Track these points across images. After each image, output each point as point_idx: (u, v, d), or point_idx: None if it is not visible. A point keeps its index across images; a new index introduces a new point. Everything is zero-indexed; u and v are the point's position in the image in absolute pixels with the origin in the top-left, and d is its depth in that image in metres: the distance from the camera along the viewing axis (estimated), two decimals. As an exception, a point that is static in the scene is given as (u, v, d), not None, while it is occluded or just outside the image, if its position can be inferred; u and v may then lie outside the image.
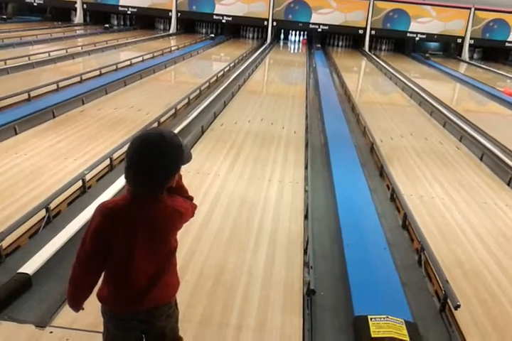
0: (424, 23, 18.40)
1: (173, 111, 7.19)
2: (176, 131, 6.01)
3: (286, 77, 12.32)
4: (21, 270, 2.91)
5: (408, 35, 18.63)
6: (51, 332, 2.50)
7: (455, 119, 7.89)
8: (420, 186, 4.95)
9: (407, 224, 4.04)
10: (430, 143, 6.67)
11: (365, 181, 4.87)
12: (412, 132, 7.14)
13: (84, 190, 4.23)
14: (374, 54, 17.71)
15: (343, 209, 4.13)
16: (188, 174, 4.59)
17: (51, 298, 2.77)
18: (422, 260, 3.50)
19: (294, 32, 20.28)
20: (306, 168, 5.22)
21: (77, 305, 1.84)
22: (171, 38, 17.80)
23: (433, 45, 20.15)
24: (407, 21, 18.45)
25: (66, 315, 2.62)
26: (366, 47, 18.52)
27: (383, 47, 19.89)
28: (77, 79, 8.67)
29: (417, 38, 18.81)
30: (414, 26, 18.46)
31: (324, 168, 5.37)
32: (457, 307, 2.82)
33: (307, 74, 12.12)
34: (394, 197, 4.57)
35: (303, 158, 5.55)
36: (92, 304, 2.57)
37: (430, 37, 18.74)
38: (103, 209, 1.69)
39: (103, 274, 1.78)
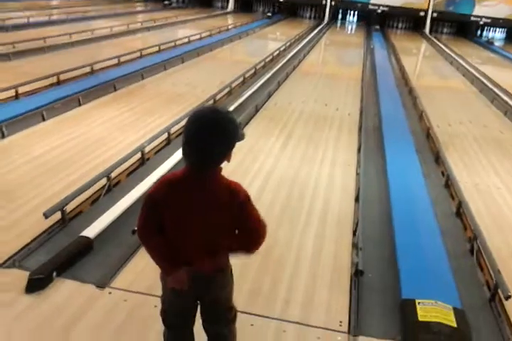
0: (489, 6, 17.58)
1: (228, 89, 7.26)
2: (231, 109, 6.09)
3: (343, 58, 12.14)
4: (83, 234, 3.07)
5: (472, 18, 17.87)
6: (110, 293, 2.65)
7: (518, 108, 7.58)
8: (476, 174, 4.83)
9: (460, 211, 3.97)
10: (489, 131, 6.47)
11: (419, 166, 4.79)
12: (471, 119, 6.93)
13: (143, 162, 4.38)
14: (435, 37, 17.11)
15: (395, 194, 4.09)
16: (241, 152, 4.66)
17: (110, 261, 2.92)
18: (474, 249, 3.45)
19: (352, 12, 19.83)
20: (358, 150, 5.19)
21: (170, 270, 1.81)
22: (228, 16, 17.81)
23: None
24: (471, 4, 17.70)
25: (124, 277, 2.78)
26: (427, 30, 17.93)
27: (445, 30, 19.18)
28: (137, 54, 8.87)
29: (481, 22, 18.02)
30: (479, 10, 17.67)
31: (377, 151, 5.30)
32: (508, 297, 2.78)
33: (364, 55, 11.88)
34: (448, 183, 4.49)
35: (356, 141, 5.52)
36: (150, 268, 2.71)
37: (495, 22, 17.92)
38: (162, 179, 1.81)
39: None
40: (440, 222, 3.78)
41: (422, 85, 9.17)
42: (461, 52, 13.64)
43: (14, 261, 2.84)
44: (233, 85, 7.51)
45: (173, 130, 5.00)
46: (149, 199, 1.77)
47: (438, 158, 5.13)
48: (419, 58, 14.38)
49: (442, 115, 6.99)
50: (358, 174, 4.57)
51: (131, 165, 4.24)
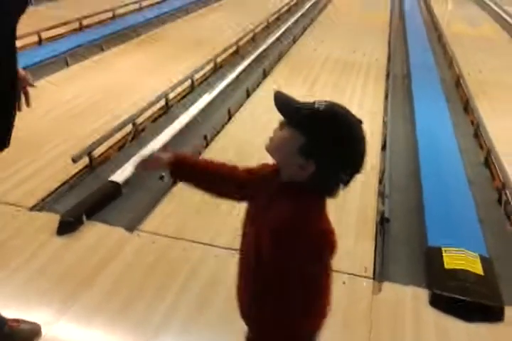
0: None
1: (251, 34, 7.06)
2: (254, 55, 5.96)
3: (370, 2, 11.62)
4: (111, 178, 3.09)
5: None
6: (139, 236, 2.69)
7: (553, 55, 7.25)
8: (507, 122, 4.68)
9: (489, 161, 3.89)
10: (522, 79, 6.21)
11: (448, 115, 4.66)
12: (503, 66, 6.65)
13: (167, 109, 4.34)
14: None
15: (423, 143, 4.01)
16: (264, 99, 4.56)
17: (139, 206, 2.96)
18: (502, 199, 3.39)
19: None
20: (386, 98, 5.06)
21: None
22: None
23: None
24: None
25: (152, 222, 2.81)
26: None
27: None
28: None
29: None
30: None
31: (405, 99, 5.17)
32: (536, 247, 2.76)
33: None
34: (478, 133, 4.38)
35: (383, 88, 5.37)
36: (177, 213, 2.73)
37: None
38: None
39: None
40: (468, 171, 3.71)
41: (452, 31, 8.77)
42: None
43: (45, 204, 2.90)
44: (256, 30, 7.30)
45: (197, 76, 4.93)
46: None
47: (467, 107, 4.98)
48: (449, 2, 13.69)
49: (473, 62, 6.71)
50: (385, 122, 4.47)
51: (156, 112, 4.21)
